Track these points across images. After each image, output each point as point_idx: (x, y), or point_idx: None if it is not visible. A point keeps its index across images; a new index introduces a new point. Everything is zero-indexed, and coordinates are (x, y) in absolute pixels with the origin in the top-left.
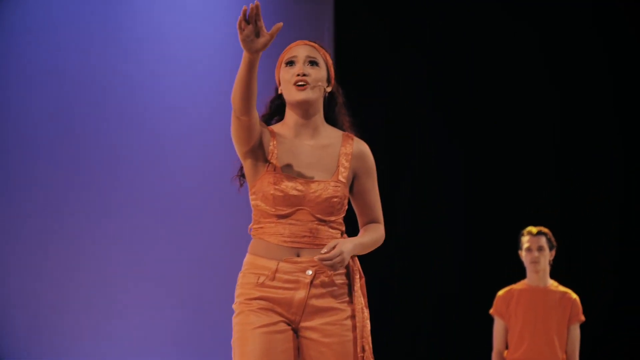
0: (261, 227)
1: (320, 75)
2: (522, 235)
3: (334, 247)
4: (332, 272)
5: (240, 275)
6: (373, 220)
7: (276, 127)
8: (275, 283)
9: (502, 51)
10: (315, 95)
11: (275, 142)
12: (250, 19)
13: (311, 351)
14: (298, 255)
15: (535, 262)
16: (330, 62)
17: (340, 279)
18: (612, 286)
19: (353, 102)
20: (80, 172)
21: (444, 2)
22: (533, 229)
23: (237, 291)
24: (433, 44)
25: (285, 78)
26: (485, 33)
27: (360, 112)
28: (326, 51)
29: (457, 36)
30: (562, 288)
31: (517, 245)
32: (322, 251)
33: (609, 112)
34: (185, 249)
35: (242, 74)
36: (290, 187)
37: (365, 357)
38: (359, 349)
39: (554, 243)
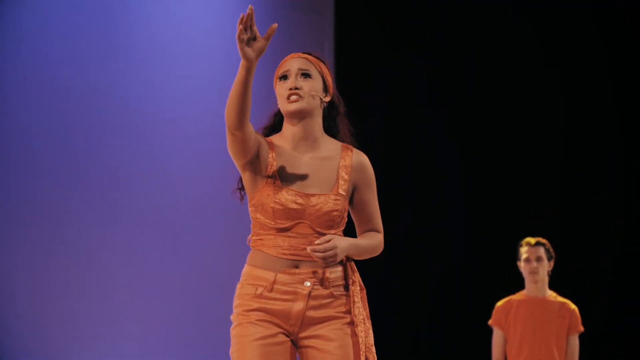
0: (260, 239)
1: (314, 86)
2: (521, 246)
3: (328, 241)
4: (324, 266)
5: (238, 285)
6: (372, 230)
7: (275, 139)
8: (273, 294)
9: (502, 51)
10: (309, 105)
11: (274, 154)
12: (245, 25)
13: (312, 358)
14: (297, 267)
15: (533, 272)
16: (326, 72)
17: (339, 291)
18: (612, 286)
19: (354, 102)
20: (80, 178)
21: (444, 2)
22: (531, 240)
23: (235, 302)
24: (433, 44)
25: (279, 92)
26: (485, 33)
27: (360, 113)
28: (322, 61)
29: (457, 36)
30: (560, 299)
31: (517, 245)
32: (316, 242)
33: (609, 112)
34: (185, 256)
35: (237, 85)
36: (290, 200)
37: None
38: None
39: (553, 254)
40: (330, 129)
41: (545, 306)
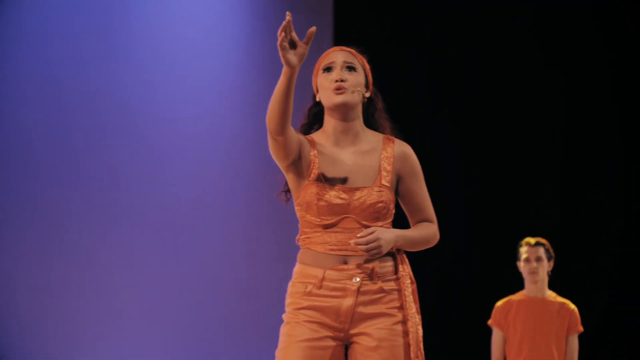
0: (308, 237)
1: (358, 80)
2: (521, 246)
3: (371, 233)
4: (369, 258)
5: (289, 284)
6: (424, 221)
7: (316, 136)
8: (322, 291)
9: (502, 51)
10: (353, 99)
11: (315, 152)
12: (286, 32)
13: (358, 355)
14: (345, 263)
15: (533, 272)
16: (367, 67)
17: (389, 285)
18: (612, 286)
19: None
20: (80, 179)
21: (444, 2)
22: (531, 240)
23: (287, 300)
24: (433, 44)
25: (324, 84)
26: (485, 33)
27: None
28: (363, 57)
29: (457, 36)
30: (560, 299)
31: (517, 245)
32: (359, 235)
33: (609, 112)
34: (185, 256)
35: (280, 92)
36: (334, 196)
37: None
38: (412, 355)
39: (552, 254)
40: (370, 125)
41: (544, 306)
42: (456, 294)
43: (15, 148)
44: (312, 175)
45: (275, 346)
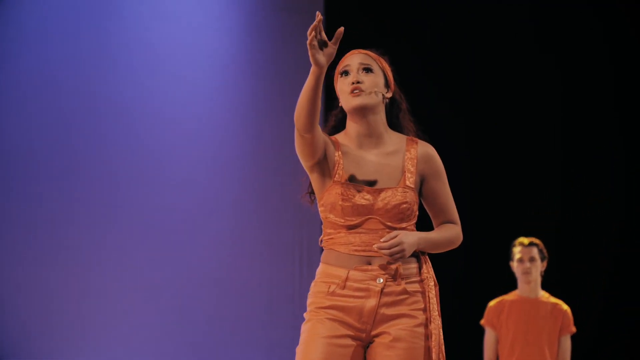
0: (331, 238)
1: (376, 81)
2: (514, 246)
3: (394, 237)
4: (392, 262)
5: (312, 284)
6: (448, 222)
7: (340, 137)
8: (345, 292)
9: (503, 53)
10: (372, 100)
11: (340, 153)
12: (316, 32)
13: (377, 356)
14: (369, 264)
15: (526, 273)
16: (387, 67)
17: (413, 287)
18: (613, 287)
19: None
20: (80, 179)
21: (437, 3)
22: (525, 240)
23: (309, 300)
24: (426, 45)
25: (342, 88)
26: (485, 35)
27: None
28: (382, 57)
29: (455, 37)
30: (553, 299)
31: (510, 245)
32: (382, 239)
33: (609, 114)
34: (186, 256)
35: (308, 91)
36: (358, 196)
37: None
38: (434, 358)
39: (546, 254)
40: (394, 126)
41: (537, 307)
42: (455, 295)
43: (16, 148)
44: (337, 175)
45: (279, 346)
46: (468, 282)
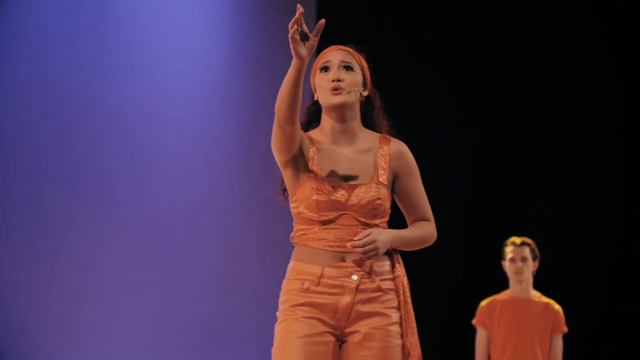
0: (304, 234)
1: (356, 79)
2: (506, 245)
3: (367, 235)
4: (366, 260)
5: (284, 282)
6: (421, 220)
7: (314, 134)
8: (320, 288)
9: (501, 52)
10: (351, 99)
11: (314, 149)
12: (298, 24)
13: (352, 355)
14: (343, 260)
15: (518, 272)
16: (365, 65)
17: (386, 284)
18: (611, 287)
19: None
20: (81, 179)
21: (429, 2)
22: (517, 240)
23: (282, 298)
24: (419, 44)
25: (321, 84)
26: (484, 34)
27: None
28: (361, 54)
29: (452, 38)
30: (545, 299)
31: (502, 245)
32: (356, 237)
33: (608, 113)
34: (187, 257)
35: (289, 83)
36: (334, 192)
37: None
38: (410, 357)
39: (538, 254)
40: (368, 124)
41: (529, 306)
42: (454, 295)
43: (16, 148)
44: (312, 171)
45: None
46: (467, 282)
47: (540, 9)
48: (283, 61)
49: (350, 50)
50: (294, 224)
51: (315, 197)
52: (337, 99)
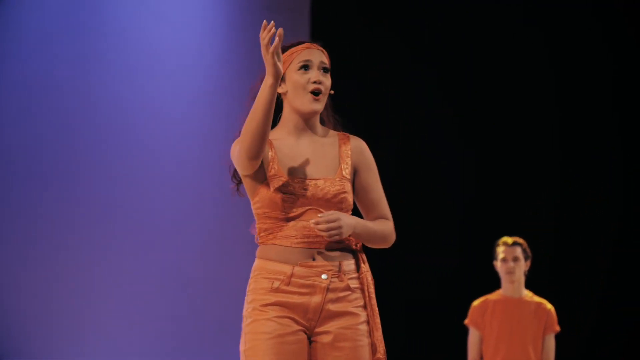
0: (270, 233)
1: (330, 83)
2: (498, 245)
3: (332, 214)
4: (328, 238)
5: (251, 281)
6: (381, 218)
7: (273, 132)
8: (290, 288)
9: (500, 52)
10: (324, 103)
11: (273, 151)
12: (280, 38)
13: (324, 356)
14: (313, 259)
15: (510, 272)
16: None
17: (354, 283)
18: (610, 287)
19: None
20: (81, 178)
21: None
22: (508, 240)
23: (249, 297)
24: (414, 44)
25: (299, 82)
26: (483, 34)
27: (338, 111)
28: (328, 56)
29: (455, 39)
30: (537, 298)
31: (494, 245)
32: (319, 215)
33: (608, 113)
34: (187, 256)
35: (264, 109)
36: (298, 188)
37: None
38: (378, 355)
39: (529, 253)
40: (321, 122)
41: (521, 306)
42: (452, 296)
43: (15, 148)
44: (272, 170)
45: None
46: (465, 282)
47: (540, 9)
48: None
49: (324, 51)
50: (257, 225)
51: (280, 194)
52: (317, 106)
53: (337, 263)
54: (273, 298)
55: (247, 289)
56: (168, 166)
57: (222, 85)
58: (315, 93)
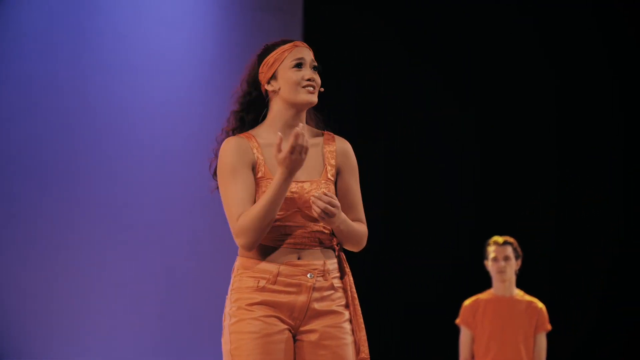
0: None
1: (320, 81)
2: (488, 244)
3: (333, 198)
4: (318, 218)
5: (234, 279)
6: (356, 221)
7: (260, 130)
8: (276, 287)
9: (499, 52)
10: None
11: (261, 153)
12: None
13: (309, 355)
14: (299, 258)
15: (501, 271)
16: None
17: (337, 282)
18: (609, 287)
19: (321, 102)
20: (81, 178)
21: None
22: (499, 239)
23: (233, 296)
24: (409, 44)
25: (293, 79)
26: (482, 33)
27: (334, 113)
28: None
29: (451, 40)
30: (528, 297)
31: (485, 244)
32: (324, 192)
33: (607, 113)
34: (188, 257)
35: (274, 203)
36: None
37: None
38: (362, 353)
39: (520, 253)
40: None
41: (512, 305)
42: (450, 296)
43: (16, 148)
44: (260, 173)
45: None
46: (463, 285)
47: (540, 9)
48: None
49: (311, 49)
50: None
51: None
52: (313, 97)
53: (321, 262)
54: (259, 297)
55: (230, 287)
56: (168, 166)
57: (222, 85)
58: (309, 88)
